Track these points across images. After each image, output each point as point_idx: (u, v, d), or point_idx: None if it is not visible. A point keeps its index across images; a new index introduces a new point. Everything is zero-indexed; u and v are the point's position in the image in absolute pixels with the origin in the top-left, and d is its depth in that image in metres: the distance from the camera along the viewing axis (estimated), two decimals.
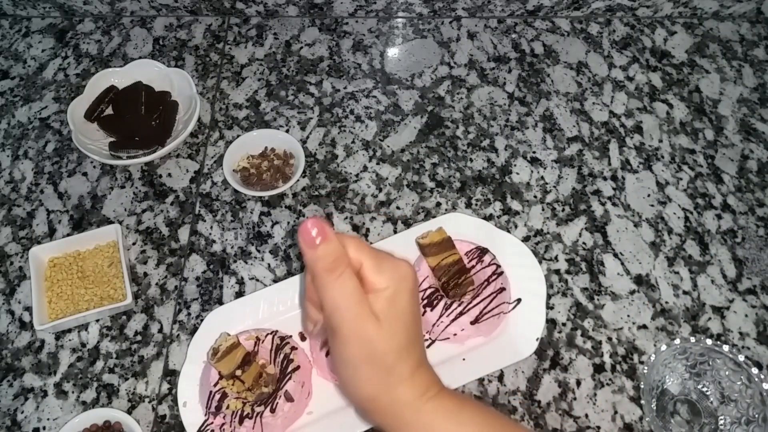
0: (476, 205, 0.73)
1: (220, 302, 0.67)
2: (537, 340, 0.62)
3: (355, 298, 0.39)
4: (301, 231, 0.39)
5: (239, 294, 0.67)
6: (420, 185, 0.74)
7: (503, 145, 0.77)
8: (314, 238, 0.39)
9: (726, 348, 0.58)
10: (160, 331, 0.66)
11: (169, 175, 0.76)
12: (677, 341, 0.60)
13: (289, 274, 0.68)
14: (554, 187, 0.74)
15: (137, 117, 0.77)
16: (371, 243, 0.69)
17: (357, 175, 0.75)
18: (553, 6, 0.86)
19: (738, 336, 0.65)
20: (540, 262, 0.67)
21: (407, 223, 0.72)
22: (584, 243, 0.71)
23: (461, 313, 0.61)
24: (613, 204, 0.73)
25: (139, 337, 0.65)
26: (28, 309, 0.67)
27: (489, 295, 0.62)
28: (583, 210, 0.73)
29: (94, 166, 0.76)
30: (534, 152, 0.77)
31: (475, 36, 0.87)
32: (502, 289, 0.62)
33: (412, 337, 0.40)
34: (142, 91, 0.78)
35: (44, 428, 0.61)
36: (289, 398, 0.57)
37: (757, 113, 0.80)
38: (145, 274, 0.69)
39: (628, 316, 0.66)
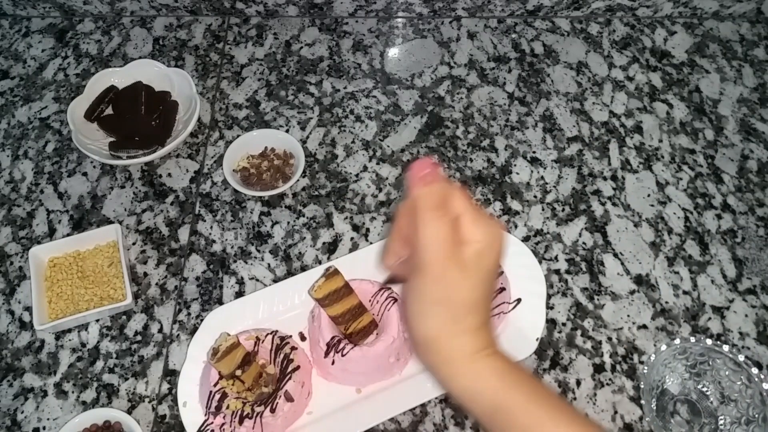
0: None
1: (220, 302, 0.67)
2: (537, 340, 0.62)
3: (448, 242, 0.40)
4: (414, 166, 0.41)
5: (239, 294, 0.67)
6: None
7: (503, 145, 0.77)
8: (425, 176, 0.41)
9: (726, 348, 0.58)
10: (160, 331, 0.66)
11: (169, 175, 0.76)
12: (677, 341, 0.60)
13: (289, 274, 0.68)
14: (554, 187, 0.74)
15: (137, 117, 0.77)
16: (371, 243, 0.69)
17: (357, 175, 0.75)
18: (553, 6, 0.86)
19: (738, 336, 0.65)
20: (540, 262, 0.67)
21: None
22: (584, 243, 0.71)
23: None
24: (613, 204, 0.73)
25: (139, 337, 0.65)
26: (28, 309, 0.67)
27: (491, 303, 0.61)
28: (583, 210, 0.73)
29: (94, 166, 0.76)
30: (534, 152, 0.77)
31: (475, 36, 0.87)
32: (502, 289, 0.62)
33: (487, 295, 0.42)
34: (142, 91, 0.78)
35: (44, 428, 0.61)
36: (289, 398, 0.57)
37: (757, 113, 0.80)
38: (145, 274, 0.69)
39: (628, 316, 0.66)
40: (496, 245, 0.42)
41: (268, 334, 0.60)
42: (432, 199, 0.41)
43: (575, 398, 0.62)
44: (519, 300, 0.64)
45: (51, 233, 0.72)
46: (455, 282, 0.40)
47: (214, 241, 0.71)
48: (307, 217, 0.72)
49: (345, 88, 0.82)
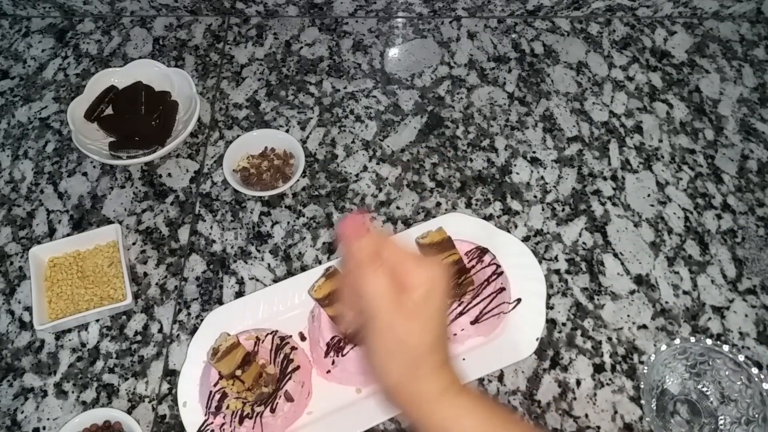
0: (476, 205, 0.73)
1: (220, 302, 0.67)
2: (537, 340, 0.62)
3: (389, 293, 0.41)
4: (342, 223, 0.42)
5: (239, 294, 0.67)
6: (420, 185, 0.74)
7: (503, 145, 0.77)
8: (356, 230, 0.42)
9: (726, 348, 0.58)
10: (160, 331, 0.66)
11: (169, 175, 0.76)
12: (677, 341, 0.60)
13: (289, 274, 0.68)
14: (554, 187, 0.74)
15: (137, 117, 0.77)
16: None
17: (357, 175, 0.75)
18: (553, 6, 0.86)
19: (738, 336, 0.65)
20: (540, 262, 0.67)
21: (407, 223, 0.72)
22: (584, 243, 0.71)
23: (461, 313, 0.61)
24: (613, 204, 0.73)
25: (139, 337, 0.65)
26: (28, 309, 0.67)
27: (489, 295, 0.62)
28: (583, 210, 0.73)
29: (94, 166, 0.76)
30: (534, 152, 0.77)
31: (475, 36, 0.87)
32: (502, 289, 0.62)
33: (440, 335, 0.42)
34: (142, 91, 0.78)
35: (44, 428, 0.61)
36: (289, 398, 0.57)
37: (757, 113, 0.80)
38: (145, 274, 0.69)
39: (628, 316, 0.66)
40: (439, 285, 0.42)
41: (268, 334, 0.60)
42: (365, 252, 0.41)
43: (575, 398, 0.62)
44: (519, 300, 0.64)
45: (51, 233, 0.72)
46: (404, 329, 0.41)
47: (214, 241, 0.71)
48: (307, 217, 0.72)
49: (345, 88, 0.82)
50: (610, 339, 0.65)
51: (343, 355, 0.58)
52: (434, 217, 0.71)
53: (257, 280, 0.68)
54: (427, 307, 0.41)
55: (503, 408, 0.45)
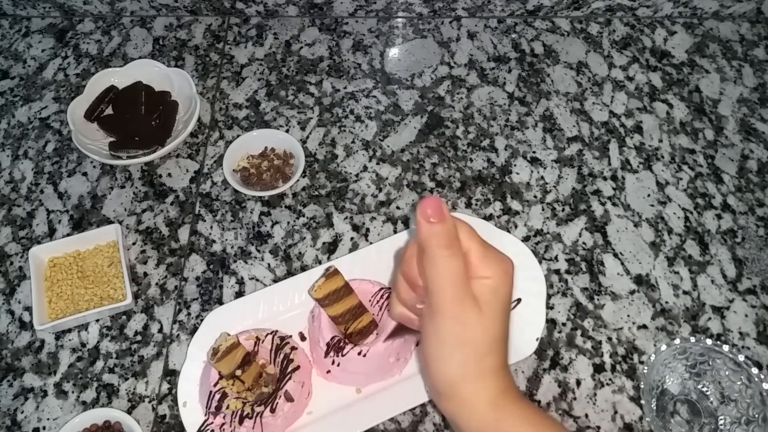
0: (476, 205, 0.73)
1: (220, 302, 0.67)
2: (537, 340, 0.62)
3: (461, 280, 0.39)
4: (420, 206, 0.40)
5: (239, 294, 0.67)
6: (420, 185, 0.74)
7: (503, 145, 0.77)
8: (432, 215, 0.39)
9: (726, 348, 0.58)
10: (160, 331, 0.66)
11: (169, 175, 0.76)
12: (677, 341, 0.60)
13: (289, 274, 0.68)
14: (554, 187, 0.74)
15: (137, 117, 0.77)
16: (371, 243, 0.69)
17: (357, 175, 0.75)
18: (553, 6, 0.86)
19: (738, 336, 0.65)
20: (540, 262, 0.67)
21: (407, 223, 0.72)
22: (584, 243, 0.71)
23: None
24: (613, 204, 0.73)
25: (139, 337, 0.65)
26: (28, 309, 0.67)
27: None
28: (583, 210, 0.73)
29: (94, 166, 0.76)
30: (534, 152, 0.77)
31: (475, 36, 0.87)
32: None
33: (504, 333, 0.41)
34: (142, 91, 0.78)
35: (44, 428, 0.61)
36: (289, 398, 0.57)
37: (757, 113, 0.80)
38: (145, 274, 0.69)
39: (628, 316, 0.66)
40: (508, 280, 0.41)
41: (268, 334, 0.60)
42: (442, 238, 0.39)
43: (575, 398, 0.62)
44: (519, 300, 0.64)
45: (51, 233, 0.72)
46: (473, 321, 0.39)
47: (214, 241, 0.71)
48: (307, 217, 0.72)
49: (345, 88, 0.82)
50: (610, 339, 0.65)
51: (343, 355, 0.58)
52: None
53: (257, 280, 0.68)
54: (496, 300, 0.40)
55: (552, 420, 0.42)
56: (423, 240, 0.40)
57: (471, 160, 0.76)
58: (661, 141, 0.78)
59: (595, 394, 0.62)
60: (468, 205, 0.73)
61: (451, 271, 0.39)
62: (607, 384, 0.62)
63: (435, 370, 0.40)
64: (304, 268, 0.69)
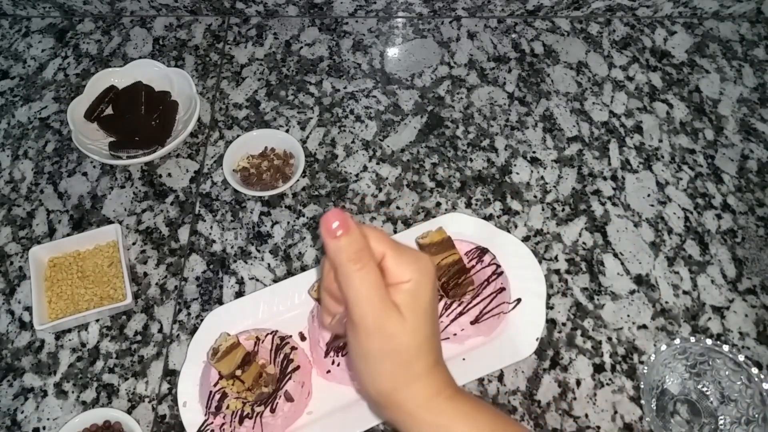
0: (476, 205, 0.73)
1: (220, 302, 0.67)
2: (537, 340, 0.62)
3: (378, 291, 0.38)
4: (323, 221, 0.38)
5: (239, 294, 0.67)
6: (420, 185, 0.74)
7: (503, 145, 0.77)
8: (336, 229, 0.38)
9: (726, 348, 0.58)
10: (160, 331, 0.66)
11: (169, 175, 0.76)
12: (677, 341, 0.60)
13: (289, 274, 0.68)
14: (554, 187, 0.74)
15: (137, 117, 0.77)
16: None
17: (357, 175, 0.75)
18: (553, 6, 0.86)
19: (738, 336, 0.65)
20: (540, 262, 0.67)
21: (407, 223, 0.72)
22: (584, 243, 0.71)
23: (461, 313, 0.61)
24: (613, 204, 0.73)
25: (139, 337, 0.65)
26: (28, 309, 0.67)
27: (489, 295, 0.62)
28: (583, 210, 0.73)
29: (94, 166, 0.76)
30: (534, 152, 0.77)
31: (475, 36, 0.87)
32: (502, 289, 0.62)
33: (432, 333, 0.40)
34: (142, 91, 0.78)
35: (44, 428, 0.61)
36: (289, 398, 0.57)
37: (757, 113, 0.80)
38: (145, 274, 0.69)
39: (628, 316, 0.66)
40: (428, 278, 0.39)
41: (268, 334, 0.60)
42: (349, 251, 0.38)
43: (575, 398, 0.62)
44: (519, 300, 0.64)
45: (51, 233, 0.72)
46: (396, 329, 0.38)
47: (214, 241, 0.71)
48: (307, 217, 0.72)
49: (345, 88, 0.82)
50: (610, 339, 0.65)
51: (343, 355, 0.58)
52: (434, 217, 0.71)
53: (257, 280, 0.68)
54: (418, 302, 0.39)
55: (502, 414, 0.42)
56: (332, 257, 0.39)
57: (471, 160, 0.76)
58: (661, 141, 0.78)
59: (595, 394, 0.62)
60: (468, 205, 0.73)
61: (365, 285, 0.38)
62: (607, 384, 0.62)
63: (366, 384, 0.40)
64: (304, 268, 0.69)
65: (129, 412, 0.61)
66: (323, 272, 0.43)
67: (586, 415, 0.61)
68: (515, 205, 0.73)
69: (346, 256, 0.38)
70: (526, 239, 0.70)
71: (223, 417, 0.56)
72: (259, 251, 0.70)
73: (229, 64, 0.84)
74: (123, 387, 0.63)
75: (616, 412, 0.61)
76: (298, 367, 0.58)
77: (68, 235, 0.71)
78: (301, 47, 0.86)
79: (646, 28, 0.88)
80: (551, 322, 0.66)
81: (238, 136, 0.76)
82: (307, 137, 0.78)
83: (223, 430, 0.56)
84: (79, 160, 0.77)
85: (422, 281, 0.39)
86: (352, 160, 0.76)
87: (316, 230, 0.71)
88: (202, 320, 0.63)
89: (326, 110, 0.80)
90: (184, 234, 0.72)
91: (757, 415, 0.56)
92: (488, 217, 0.72)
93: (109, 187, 0.75)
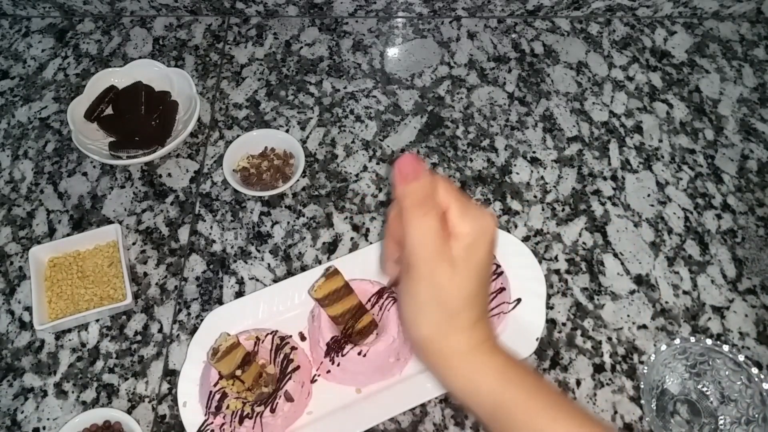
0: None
1: (220, 302, 0.67)
2: (537, 340, 0.62)
3: (435, 239, 0.39)
4: (397, 164, 0.40)
5: (239, 294, 0.67)
6: None
7: (503, 145, 0.77)
8: (408, 173, 0.39)
9: (726, 348, 0.58)
10: (160, 331, 0.66)
11: (169, 175, 0.76)
12: (677, 341, 0.60)
13: (289, 274, 0.68)
14: (554, 187, 0.74)
15: (137, 117, 0.77)
16: (371, 243, 0.69)
17: (357, 175, 0.75)
18: (553, 6, 0.86)
19: (738, 336, 0.65)
20: (540, 262, 0.67)
21: None
22: (584, 243, 0.71)
23: None
24: (613, 204, 0.73)
25: (139, 337, 0.65)
26: (28, 309, 0.67)
27: (489, 295, 0.61)
28: (583, 210, 0.73)
29: (94, 166, 0.76)
30: (534, 152, 0.77)
31: (475, 36, 0.87)
32: (502, 289, 0.62)
33: (480, 288, 0.41)
34: (142, 91, 0.78)
35: (44, 428, 0.61)
36: (289, 398, 0.57)
37: (757, 113, 0.80)
38: (145, 274, 0.69)
39: (628, 316, 0.66)
40: (487, 236, 0.41)
41: (268, 334, 0.60)
42: (416, 196, 0.40)
43: (575, 398, 0.62)
44: (519, 300, 0.64)
45: (51, 233, 0.72)
46: (444, 280, 0.39)
47: (214, 241, 0.71)
48: (307, 217, 0.72)
49: (345, 88, 0.82)
50: (610, 339, 0.65)
51: (343, 355, 0.58)
52: None
53: (257, 280, 0.68)
54: (472, 257, 0.40)
55: (536, 374, 0.42)
56: (398, 199, 0.40)
57: (471, 160, 0.76)
58: (661, 141, 0.78)
59: (595, 394, 0.62)
60: None
61: (425, 231, 0.39)
62: (607, 384, 0.62)
63: (410, 327, 0.41)
64: (304, 268, 0.69)
65: (129, 412, 0.61)
66: (389, 216, 0.44)
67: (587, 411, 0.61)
68: (515, 205, 0.73)
69: (411, 200, 0.40)
70: (526, 239, 0.70)
71: (223, 417, 0.56)
72: (259, 251, 0.70)
73: (229, 64, 0.84)
74: (123, 387, 0.63)
75: (616, 412, 0.61)
76: (298, 367, 0.58)
77: (68, 235, 0.71)
78: (301, 47, 0.86)
79: (646, 28, 0.88)
80: (551, 322, 0.66)
81: (238, 136, 0.76)
82: (307, 137, 0.78)
83: (223, 430, 0.56)
84: (79, 160, 0.77)
85: (480, 238, 0.40)
86: (352, 160, 0.76)
87: (316, 230, 0.71)
88: (202, 320, 0.63)
89: (326, 110, 0.80)
90: (184, 234, 0.72)
91: (757, 415, 0.56)
92: None
93: (109, 187, 0.75)
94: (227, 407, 0.56)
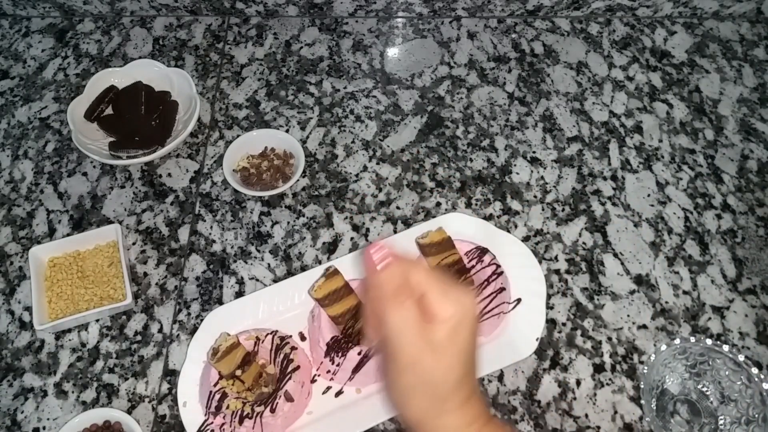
0: (476, 205, 0.73)
1: (220, 302, 0.67)
2: (537, 340, 0.62)
3: (414, 327, 0.38)
4: (365, 255, 0.39)
5: (239, 294, 0.67)
6: (420, 185, 0.74)
7: (503, 145, 0.77)
8: (377, 262, 0.38)
9: (726, 348, 0.58)
10: (160, 331, 0.66)
11: (169, 175, 0.76)
12: (677, 341, 0.60)
13: (289, 274, 0.68)
14: (554, 187, 0.74)
15: (137, 117, 0.77)
16: (371, 243, 0.69)
17: (357, 175, 0.75)
18: (553, 6, 0.86)
19: (738, 336, 0.65)
20: (540, 262, 0.67)
21: (407, 223, 0.72)
22: (584, 243, 0.71)
23: None
24: (613, 204, 0.73)
25: (139, 337, 0.65)
26: (28, 309, 0.67)
27: (489, 295, 0.62)
28: (583, 210, 0.73)
29: (94, 166, 0.76)
30: (534, 152, 0.77)
31: (475, 36, 0.87)
32: (502, 289, 0.62)
33: (468, 369, 0.40)
34: (142, 91, 0.78)
35: (44, 428, 0.61)
36: (289, 398, 0.57)
37: (757, 113, 0.80)
38: (145, 274, 0.69)
39: (628, 316, 0.66)
40: (469, 317, 0.39)
41: (268, 334, 0.60)
42: (391, 284, 0.38)
43: (575, 398, 0.62)
44: (519, 300, 0.64)
45: (51, 233, 0.72)
46: (430, 366, 0.38)
47: (214, 241, 0.71)
48: (307, 217, 0.72)
49: (345, 88, 0.82)
50: (610, 339, 0.65)
51: (343, 355, 0.58)
52: (434, 217, 0.71)
53: (257, 280, 0.68)
54: (456, 341, 0.39)
55: None
56: (371, 289, 0.39)
57: (471, 160, 0.76)
58: (661, 141, 0.78)
59: (595, 394, 0.62)
60: (468, 205, 0.73)
61: (404, 320, 0.38)
62: (607, 384, 0.62)
63: (400, 409, 0.41)
64: (304, 268, 0.69)
65: (129, 412, 0.61)
66: (365, 305, 0.43)
67: (586, 415, 0.61)
68: (515, 205, 0.73)
69: (385, 290, 0.39)
70: (526, 239, 0.70)
71: (223, 417, 0.56)
72: (259, 251, 0.70)
73: (229, 64, 0.84)
74: (123, 387, 0.63)
75: (616, 412, 0.61)
76: (298, 367, 0.58)
77: (68, 235, 0.71)
78: (301, 47, 0.86)
79: (646, 28, 0.88)
80: (551, 322, 0.66)
81: (238, 136, 0.76)
82: (307, 137, 0.78)
83: (223, 430, 0.56)
84: (79, 160, 0.77)
85: (463, 320, 0.39)
86: (352, 160, 0.76)
87: (316, 230, 0.71)
88: (202, 320, 0.63)
89: (326, 110, 0.80)
90: (184, 234, 0.72)
91: (757, 415, 0.56)
92: (488, 217, 0.72)
93: (109, 187, 0.75)
94: (227, 407, 0.56)
